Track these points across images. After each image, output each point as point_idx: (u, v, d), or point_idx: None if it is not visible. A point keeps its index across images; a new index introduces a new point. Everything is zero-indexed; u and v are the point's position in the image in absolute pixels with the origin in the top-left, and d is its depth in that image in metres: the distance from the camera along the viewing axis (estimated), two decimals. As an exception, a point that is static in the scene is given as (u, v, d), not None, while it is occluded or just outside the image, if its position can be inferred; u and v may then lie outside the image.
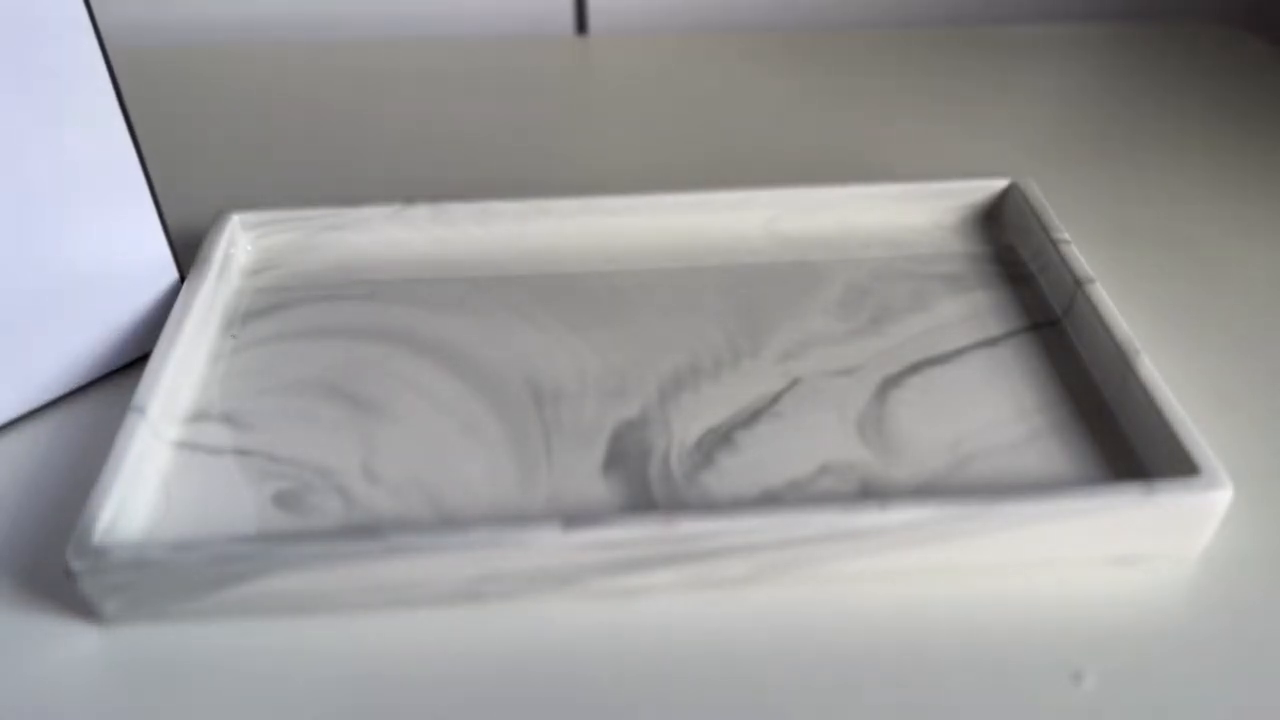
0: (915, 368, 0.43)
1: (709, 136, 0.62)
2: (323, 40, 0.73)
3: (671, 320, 0.46)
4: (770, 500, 0.38)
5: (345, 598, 0.34)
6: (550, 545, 0.33)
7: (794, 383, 0.43)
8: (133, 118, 0.41)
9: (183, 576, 0.33)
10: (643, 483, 0.38)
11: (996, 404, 0.41)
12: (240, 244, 0.50)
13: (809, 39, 0.73)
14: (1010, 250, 0.50)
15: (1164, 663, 0.33)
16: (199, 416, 0.41)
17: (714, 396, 0.42)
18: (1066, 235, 0.47)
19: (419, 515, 0.37)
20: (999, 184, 0.52)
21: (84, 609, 0.35)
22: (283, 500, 0.38)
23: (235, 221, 0.49)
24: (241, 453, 0.40)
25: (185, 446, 0.40)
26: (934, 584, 0.35)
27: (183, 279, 0.45)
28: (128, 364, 0.44)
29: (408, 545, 0.33)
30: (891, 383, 0.42)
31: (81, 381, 0.43)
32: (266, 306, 0.47)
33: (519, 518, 0.35)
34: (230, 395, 0.42)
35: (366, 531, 0.33)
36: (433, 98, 0.66)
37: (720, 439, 0.40)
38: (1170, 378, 0.40)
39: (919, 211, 0.52)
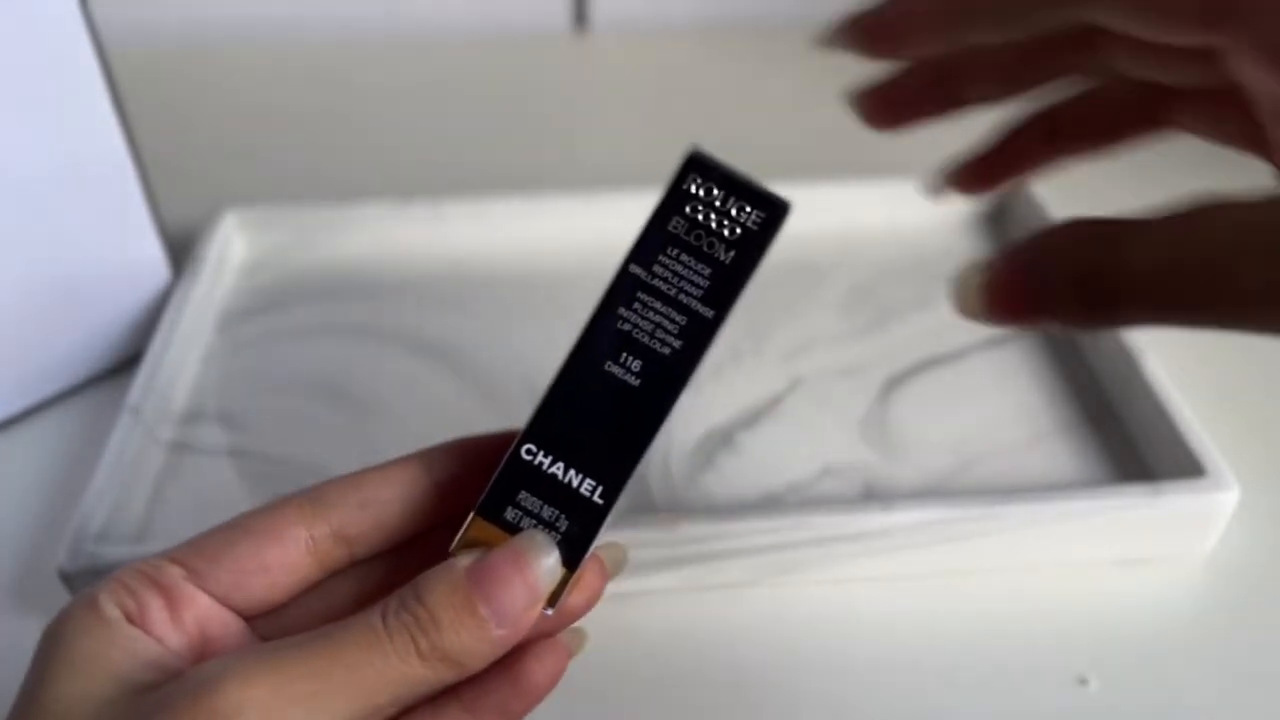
0: (919, 368, 0.43)
1: (710, 133, 0.61)
2: (318, 39, 0.73)
3: (672, 319, 0.45)
4: (772, 502, 0.37)
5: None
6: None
7: (796, 383, 0.42)
8: (129, 117, 0.41)
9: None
10: (643, 485, 0.38)
11: (1001, 405, 0.41)
12: (235, 242, 0.49)
13: (813, 33, 0.72)
14: (1013, 249, 0.50)
15: (1170, 665, 0.33)
16: (193, 417, 0.41)
17: (715, 397, 0.42)
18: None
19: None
20: (1002, 182, 0.51)
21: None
22: (278, 502, 0.37)
23: (230, 219, 0.49)
24: (237, 454, 0.39)
25: (180, 448, 0.40)
26: (938, 587, 0.35)
27: (177, 278, 0.45)
28: (122, 364, 0.44)
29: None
30: (895, 383, 0.42)
31: (75, 382, 0.43)
32: (262, 306, 0.47)
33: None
34: (225, 396, 0.42)
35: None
36: (430, 95, 0.66)
37: (721, 440, 0.40)
38: (1176, 378, 0.39)
39: (923, 209, 0.51)
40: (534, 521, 0.22)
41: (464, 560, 0.21)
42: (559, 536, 0.22)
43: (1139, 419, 0.39)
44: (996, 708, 0.31)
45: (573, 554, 0.22)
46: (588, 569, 0.24)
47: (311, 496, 0.24)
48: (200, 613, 0.22)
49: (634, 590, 0.34)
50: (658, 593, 0.34)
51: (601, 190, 0.50)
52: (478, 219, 0.49)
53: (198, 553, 0.23)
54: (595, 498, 0.23)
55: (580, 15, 0.74)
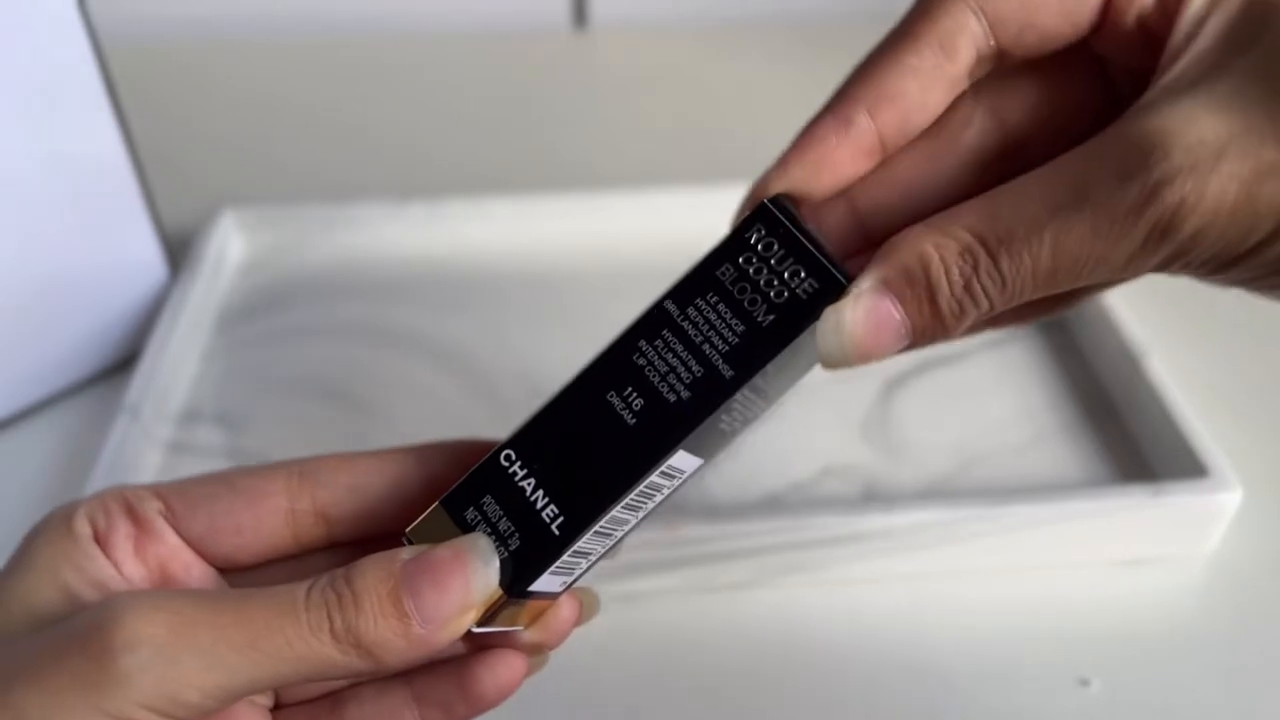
0: (920, 368, 0.43)
1: (710, 132, 0.61)
2: (318, 38, 0.73)
3: (672, 319, 0.45)
4: (772, 503, 0.37)
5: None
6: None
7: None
8: (127, 114, 0.41)
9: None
10: (643, 485, 0.38)
11: (1002, 405, 0.41)
12: (233, 242, 0.49)
13: (814, 30, 0.72)
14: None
15: (1172, 666, 0.33)
16: (191, 417, 0.41)
17: (715, 397, 0.41)
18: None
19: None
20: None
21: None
22: (277, 503, 0.37)
23: (228, 219, 0.48)
24: (234, 454, 0.39)
25: (177, 448, 0.40)
26: (939, 588, 0.35)
27: (175, 277, 0.45)
28: (119, 364, 0.44)
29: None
30: (896, 383, 0.42)
31: (72, 382, 0.43)
32: (260, 305, 0.47)
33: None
34: (223, 396, 0.42)
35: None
36: (429, 93, 0.66)
37: (721, 440, 0.39)
38: (1179, 378, 0.39)
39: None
40: (489, 529, 0.21)
41: (405, 553, 0.21)
42: (506, 553, 0.21)
43: (1141, 419, 0.39)
44: (997, 708, 0.31)
45: (516, 578, 0.21)
46: (564, 605, 0.23)
47: (302, 469, 0.23)
48: (166, 551, 0.22)
49: (635, 591, 0.34)
50: (659, 593, 0.34)
51: (601, 189, 0.50)
52: (477, 218, 0.49)
53: (180, 495, 0.23)
54: (554, 527, 0.21)
55: (580, 13, 0.74)
